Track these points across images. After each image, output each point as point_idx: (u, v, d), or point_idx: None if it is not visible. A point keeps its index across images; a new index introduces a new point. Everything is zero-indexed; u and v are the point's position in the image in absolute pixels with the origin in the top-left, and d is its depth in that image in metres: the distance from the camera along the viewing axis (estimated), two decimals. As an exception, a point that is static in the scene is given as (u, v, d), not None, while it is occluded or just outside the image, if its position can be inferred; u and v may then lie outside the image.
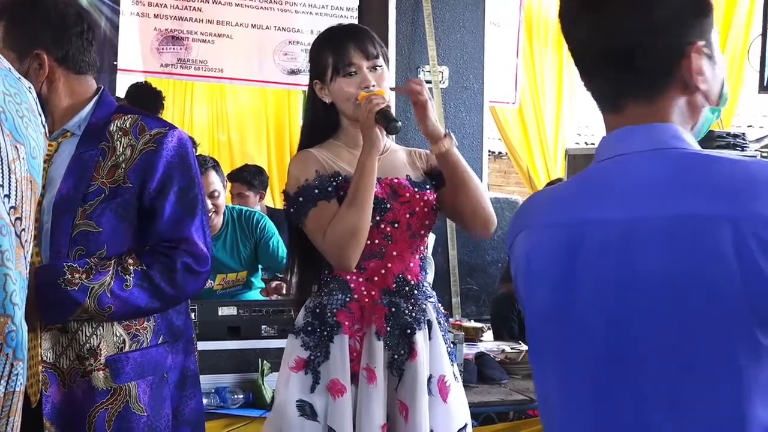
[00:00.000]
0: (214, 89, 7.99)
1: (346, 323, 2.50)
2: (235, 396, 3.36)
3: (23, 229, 1.51)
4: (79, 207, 2.21)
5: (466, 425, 2.57)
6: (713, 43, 1.42)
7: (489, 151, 8.12)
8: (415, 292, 2.55)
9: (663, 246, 1.27)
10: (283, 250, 4.42)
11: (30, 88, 1.63)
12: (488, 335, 5.21)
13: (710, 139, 4.89)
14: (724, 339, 1.23)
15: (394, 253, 2.53)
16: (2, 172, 1.45)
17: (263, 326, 3.49)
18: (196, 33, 6.76)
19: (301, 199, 2.49)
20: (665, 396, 1.27)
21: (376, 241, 2.51)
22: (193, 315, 3.41)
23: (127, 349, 2.27)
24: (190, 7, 6.67)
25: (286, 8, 6.98)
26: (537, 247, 1.42)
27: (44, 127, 1.66)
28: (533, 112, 7.98)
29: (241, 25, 6.90)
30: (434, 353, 2.54)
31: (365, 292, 2.52)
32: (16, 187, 1.48)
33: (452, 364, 2.59)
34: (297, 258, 2.67)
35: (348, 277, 2.53)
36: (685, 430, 1.26)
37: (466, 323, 4.88)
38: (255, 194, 5.84)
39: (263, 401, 3.31)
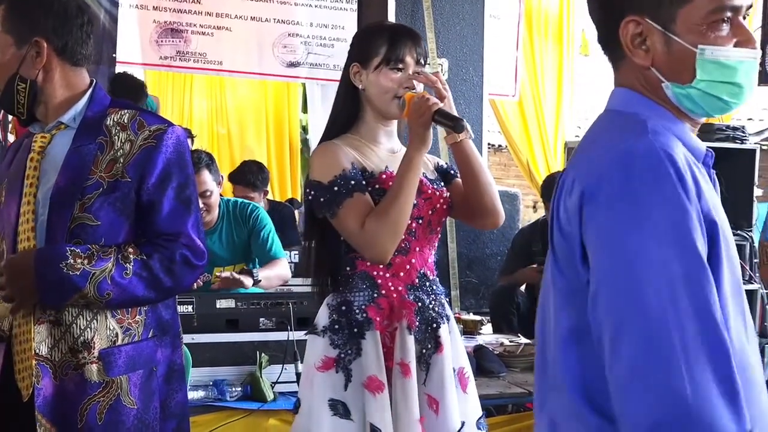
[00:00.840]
0: (214, 82, 7.98)
1: (377, 319, 2.50)
2: (233, 388, 3.36)
3: None
4: (78, 200, 2.22)
5: (483, 414, 2.63)
6: (678, 19, 1.42)
7: (489, 144, 8.11)
8: (434, 287, 2.60)
9: (566, 193, 1.45)
10: (274, 243, 4.41)
11: None
12: (487, 328, 5.21)
13: (709, 132, 4.89)
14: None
15: (417, 248, 2.57)
16: None
17: (261, 319, 3.49)
18: (195, 25, 6.75)
19: (336, 188, 2.47)
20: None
21: (403, 236, 2.52)
22: (191, 308, 3.42)
23: (119, 342, 2.28)
24: (189, -1, 6.67)
25: (285, 0, 6.96)
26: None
27: None
28: (533, 105, 7.96)
29: (240, 17, 6.89)
30: (454, 347, 2.59)
31: (392, 288, 2.53)
32: None
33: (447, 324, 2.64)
34: (315, 250, 2.65)
35: (374, 272, 2.53)
36: None
37: (465, 316, 4.88)
38: (259, 194, 5.84)
39: (261, 394, 3.31)
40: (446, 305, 2.62)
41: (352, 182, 2.48)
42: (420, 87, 2.58)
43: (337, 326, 2.50)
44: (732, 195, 4.48)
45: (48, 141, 2.29)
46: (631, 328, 1.29)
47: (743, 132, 5.43)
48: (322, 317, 2.54)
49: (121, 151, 2.27)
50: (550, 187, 5.34)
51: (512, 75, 7.34)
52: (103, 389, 2.24)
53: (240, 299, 3.55)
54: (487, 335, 4.89)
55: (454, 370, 2.55)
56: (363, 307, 2.50)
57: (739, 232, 5.12)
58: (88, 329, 2.24)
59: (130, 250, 2.26)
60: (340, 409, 2.44)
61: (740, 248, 5.08)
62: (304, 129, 9.05)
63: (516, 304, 5.47)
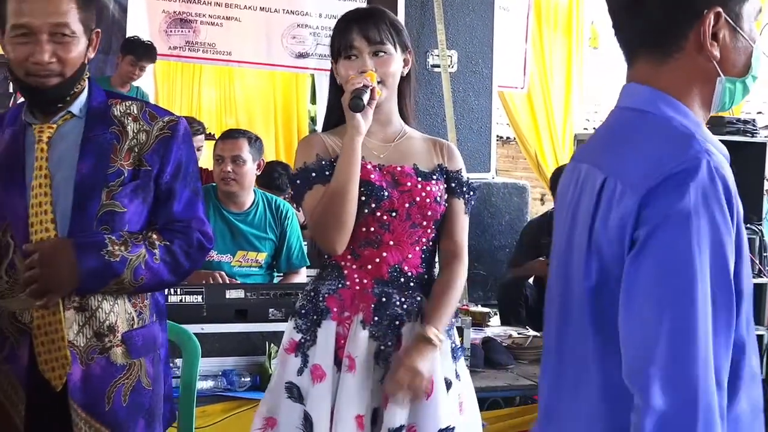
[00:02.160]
0: (222, 72, 7.98)
1: (335, 309, 2.47)
2: (242, 379, 3.37)
3: None
4: (104, 187, 2.27)
5: (452, 428, 2.45)
6: (743, 15, 1.46)
7: (497, 136, 8.10)
8: (412, 284, 2.50)
9: (582, 188, 1.51)
10: (300, 252, 4.47)
11: None
12: (495, 320, 5.21)
13: (720, 125, 4.87)
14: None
15: (391, 242, 2.49)
16: None
17: (271, 309, 3.49)
18: (204, 16, 6.76)
19: (298, 181, 2.49)
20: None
21: (372, 229, 2.48)
22: (200, 297, 3.42)
23: (135, 325, 2.36)
24: (198, -11, 6.67)
25: (294, -9, 6.97)
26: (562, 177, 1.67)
27: None
28: (542, 97, 7.95)
29: (249, 8, 6.89)
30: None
31: (357, 280, 2.49)
32: None
33: (455, 362, 2.54)
34: (310, 240, 2.69)
35: (342, 263, 2.50)
36: None
37: (473, 308, 4.87)
38: (284, 195, 5.87)
39: (270, 384, 3.32)
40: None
41: (313, 174, 2.46)
42: (386, 72, 2.49)
43: (303, 312, 2.51)
44: (742, 188, 4.46)
45: (55, 131, 2.30)
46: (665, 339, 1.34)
47: (754, 125, 5.41)
48: (298, 301, 2.57)
49: (135, 140, 2.32)
50: (558, 180, 5.33)
51: (521, 67, 7.33)
52: (126, 371, 2.32)
53: (249, 290, 3.55)
54: (495, 327, 4.89)
55: None
56: (326, 295, 2.49)
57: (749, 225, 5.10)
58: (112, 313, 2.30)
59: (155, 236, 2.33)
60: (294, 392, 2.45)
61: (751, 242, 5.07)
62: (313, 120, 9.05)
63: (524, 297, 5.48)
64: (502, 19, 6.00)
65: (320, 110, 8.56)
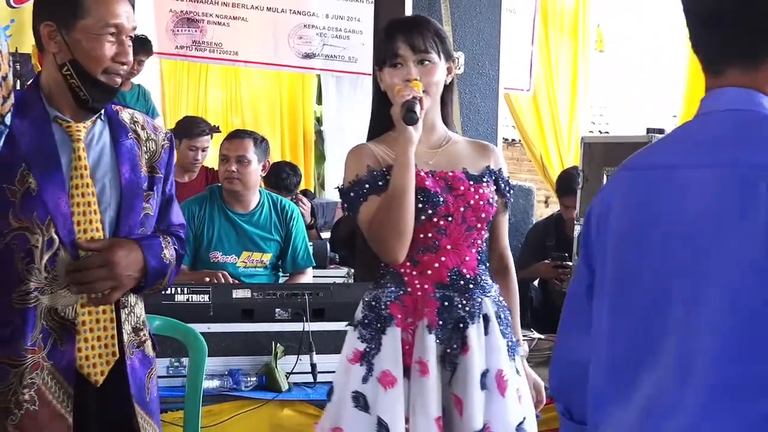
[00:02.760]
0: (229, 72, 7.99)
1: (399, 316, 2.51)
2: (248, 378, 3.37)
3: None
4: (143, 191, 2.38)
5: (524, 419, 2.55)
6: None
7: (503, 138, 8.10)
8: (471, 286, 2.54)
9: (705, 192, 1.40)
10: (306, 252, 4.49)
11: None
12: (500, 322, 5.20)
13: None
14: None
15: (449, 246, 2.53)
16: None
17: (277, 309, 3.49)
18: (211, 15, 6.77)
19: (352, 194, 2.52)
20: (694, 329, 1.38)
21: (429, 235, 2.51)
22: (207, 297, 3.43)
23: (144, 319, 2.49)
24: (206, -11, 6.68)
25: (301, -9, 6.98)
26: (616, 188, 1.59)
27: None
28: (547, 100, 7.95)
29: (256, 8, 6.90)
30: (491, 348, 2.53)
31: (418, 285, 2.52)
32: None
33: (512, 359, 2.58)
34: (359, 250, 2.72)
35: (401, 270, 2.54)
36: None
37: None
38: (290, 196, 5.89)
39: (276, 384, 3.32)
40: (488, 305, 2.55)
41: (367, 186, 2.50)
42: (430, 81, 2.53)
43: (366, 321, 2.53)
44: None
45: (86, 132, 2.34)
46: None
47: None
48: (358, 312, 2.59)
49: (146, 147, 2.42)
50: (565, 182, 5.33)
51: (527, 69, 7.33)
52: (154, 363, 2.45)
53: (256, 290, 3.56)
54: (499, 329, 4.89)
55: (488, 372, 2.50)
56: (388, 303, 2.52)
57: None
58: (139, 308, 2.43)
59: (168, 239, 2.44)
60: (361, 401, 2.47)
61: None
62: (318, 120, 9.06)
63: (529, 299, 5.47)
64: (508, 22, 6.00)
65: (326, 111, 8.58)
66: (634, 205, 1.52)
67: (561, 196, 5.49)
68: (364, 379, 2.48)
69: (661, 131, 4.38)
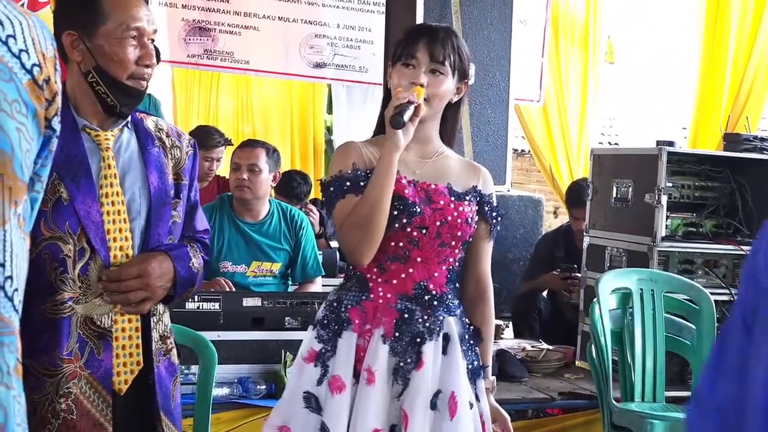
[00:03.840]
0: (240, 81, 8.01)
1: (357, 321, 2.45)
2: (258, 386, 3.39)
3: None
4: (171, 199, 2.39)
5: None
6: None
7: (512, 149, 8.11)
8: (435, 303, 2.48)
9: None
10: (315, 262, 4.50)
11: (14, 23, 1.28)
12: (508, 332, 5.21)
13: (737, 142, 4.88)
14: None
15: (419, 259, 2.48)
16: None
17: (287, 318, 3.52)
18: (223, 24, 6.79)
19: (331, 189, 2.48)
20: None
21: (401, 244, 2.46)
22: (217, 305, 3.45)
23: None
24: (218, -2, 6.71)
25: (312, 1, 6.99)
26: None
27: (30, 72, 1.30)
28: (557, 111, 7.94)
29: (267, 17, 6.92)
30: (449, 368, 2.46)
31: (381, 293, 2.47)
32: None
33: (473, 384, 2.51)
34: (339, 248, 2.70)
35: (368, 275, 2.48)
36: None
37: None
38: (300, 205, 5.91)
39: (285, 392, 3.34)
40: (452, 325, 2.49)
41: (348, 183, 2.46)
42: (436, 91, 2.48)
43: (326, 321, 2.49)
44: (758, 205, 4.48)
45: (114, 140, 2.34)
46: None
47: (770, 143, 5.41)
48: (320, 311, 2.55)
49: (171, 155, 2.43)
50: (574, 194, 5.34)
51: (537, 80, 7.34)
52: (179, 371, 2.47)
53: (266, 298, 3.58)
54: (508, 340, 4.90)
55: (441, 393, 2.42)
56: (348, 306, 2.47)
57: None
58: (166, 316, 2.44)
59: (195, 247, 2.45)
60: (312, 402, 2.43)
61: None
62: (329, 130, 9.08)
63: (538, 310, 5.48)
64: (519, 33, 6.02)
65: (336, 120, 8.59)
66: None
67: (570, 207, 5.50)
68: (319, 381, 2.43)
69: (671, 143, 4.39)
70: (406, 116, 2.38)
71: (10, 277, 1.20)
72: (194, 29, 6.70)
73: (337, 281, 5.33)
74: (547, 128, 7.97)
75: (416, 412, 2.38)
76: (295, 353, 3.39)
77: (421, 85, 2.46)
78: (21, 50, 1.25)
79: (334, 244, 6.11)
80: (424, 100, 2.45)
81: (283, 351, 3.42)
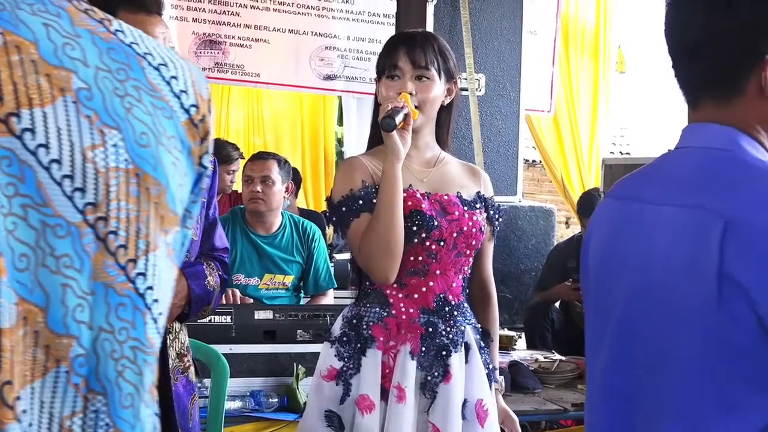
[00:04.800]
0: (250, 93, 8.04)
1: (381, 338, 2.44)
2: (270, 399, 3.38)
3: (112, 232, 1.25)
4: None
5: None
6: None
7: (523, 159, 8.10)
8: (455, 313, 2.49)
9: (668, 231, 1.40)
10: (327, 273, 4.50)
11: (177, 65, 1.36)
12: (521, 343, 5.20)
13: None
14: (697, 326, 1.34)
15: (438, 271, 2.48)
16: (71, 162, 1.21)
17: (299, 331, 3.51)
18: (233, 37, 6.80)
19: (344, 209, 2.46)
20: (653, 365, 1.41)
21: (420, 258, 2.46)
22: (229, 318, 3.44)
23: None
24: (228, 11, 6.72)
25: (323, 14, 7.00)
26: (599, 214, 1.61)
27: (188, 112, 1.36)
28: (568, 121, 7.94)
29: (278, 30, 6.93)
30: (471, 377, 2.48)
31: (404, 309, 2.46)
32: (96, 179, 1.23)
33: (491, 388, 2.54)
34: (351, 262, 2.69)
35: (388, 291, 2.47)
36: None
37: (499, 331, 4.87)
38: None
39: (298, 405, 3.33)
40: (469, 333, 2.51)
41: (360, 202, 2.44)
42: (426, 97, 2.49)
43: (345, 339, 2.47)
44: None
45: None
46: None
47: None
48: (337, 327, 2.53)
49: None
50: (586, 204, 5.33)
51: (548, 90, 7.33)
52: (197, 389, 2.45)
53: (278, 311, 3.58)
54: (521, 351, 4.88)
55: (468, 402, 2.45)
56: (370, 324, 2.46)
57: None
58: (185, 335, 2.43)
59: (212, 265, 2.41)
60: (335, 421, 2.42)
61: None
62: (340, 142, 9.09)
63: (550, 320, 5.47)
64: (529, 43, 6.02)
65: (347, 132, 8.60)
66: (609, 234, 1.54)
67: (582, 217, 5.49)
68: (342, 400, 2.42)
69: (682, 153, 4.37)
70: (398, 119, 2.37)
71: (157, 301, 1.25)
72: (205, 42, 6.72)
73: (348, 293, 5.36)
74: (558, 138, 7.97)
75: (450, 424, 2.38)
76: (307, 366, 3.41)
77: (411, 93, 2.45)
78: (181, 91, 1.32)
79: (341, 256, 6.10)
80: (416, 107, 2.45)
81: (295, 364, 3.41)
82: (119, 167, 1.21)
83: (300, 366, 3.39)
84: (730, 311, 1.30)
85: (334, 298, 4.60)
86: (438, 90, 2.52)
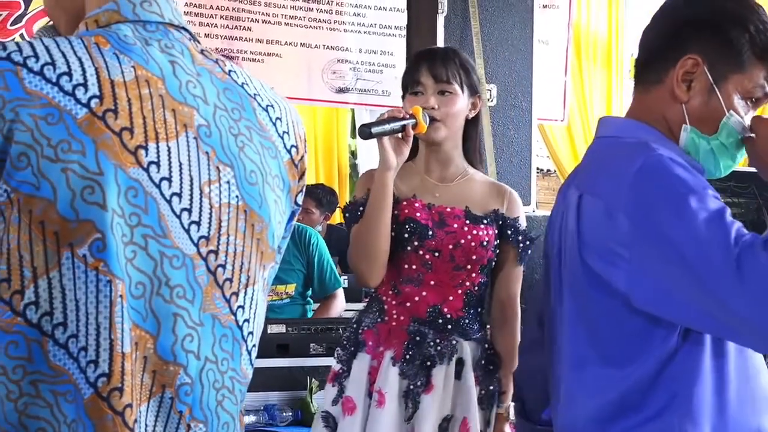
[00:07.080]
0: (264, 107, 8.07)
1: (370, 342, 2.49)
2: (284, 413, 3.38)
3: (221, 266, 1.29)
4: None
5: None
6: (731, 81, 1.52)
7: (537, 168, 8.08)
8: (449, 327, 2.48)
9: (569, 214, 1.58)
10: (332, 274, 4.48)
11: (281, 107, 1.44)
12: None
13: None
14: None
15: (432, 282, 2.48)
16: (190, 196, 1.25)
17: (312, 344, 3.51)
18: (246, 52, 6.81)
19: (347, 214, 2.54)
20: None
21: (414, 267, 2.48)
22: (242, 332, 3.45)
23: None
24: (240, 26, 6.74)
25: (334, 27, 7.01)
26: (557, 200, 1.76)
27: (290, 152, 1.44)
28: (582, 130, 7.94)
29: (289, 44, 6.94)
30: (460, 393, 2.46)
31: (395, 315, 2.49)
32: (211, 213, 1.27)
33: (488, 409, 2.50)
34: None
35: (384, 297, 2.52)
36: None
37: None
38: (321, 214, 5.88)
39: (311, 419, 3.32)
40: (467, 350, 2.48)
41: (361, 209, 2.49)
42: (448, 112, 2.52)
43: (345, 342, 2.54)
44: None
45: None
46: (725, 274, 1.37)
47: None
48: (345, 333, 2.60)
49: None
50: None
51: (561, 100, 7.31)
52: None
53: (291, 324, 3.58)
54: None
55: (453, 418, 2.44)
56: (365, 328, 2.51)
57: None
58: None
59: None
60: (330, 422, 2.48)
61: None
62: (353, 154, 9.09)
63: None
64: (541, 53, 6.01)
65: (360, 144, 8.61)
66: (551, 219, 1.73)
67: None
68: (335, 401, 2.48)
69: (695, 160, 4.36)
70: (378, 128, 2.37)
71: (252, 333, 1.34)
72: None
73: (362, 306, 5.36)
74: (572, 147, 7.95)
75: None
76: (320, 379, 3.41)
77: (433, 108, 2.47)
78: (284, 132, 1.41)
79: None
80: (439, 120, 2.47)
81: (308, 377, 3.41)
82: (230, 203, 1.28)
83: (313, 379, 3.39)
84: (588, 270, 1.52)
85: (346, 310, 4.59)
86: (461, 104, 2.54)
